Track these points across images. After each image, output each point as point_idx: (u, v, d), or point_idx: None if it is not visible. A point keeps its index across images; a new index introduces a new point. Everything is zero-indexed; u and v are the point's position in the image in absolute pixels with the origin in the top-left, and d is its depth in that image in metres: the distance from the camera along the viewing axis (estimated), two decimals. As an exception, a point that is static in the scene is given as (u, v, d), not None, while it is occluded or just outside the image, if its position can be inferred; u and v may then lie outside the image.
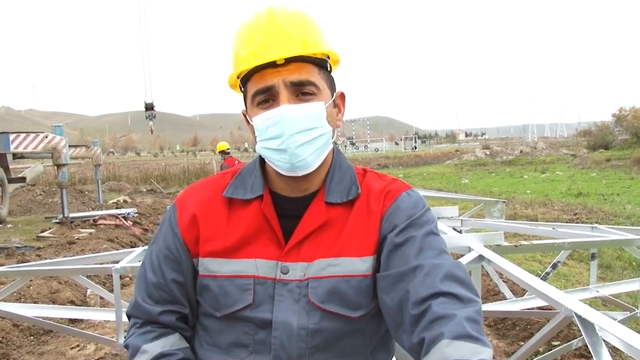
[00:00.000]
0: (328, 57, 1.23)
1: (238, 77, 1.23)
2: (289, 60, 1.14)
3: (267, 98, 1.17)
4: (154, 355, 1.20)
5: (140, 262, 1.41)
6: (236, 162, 12.40)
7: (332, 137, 1.23)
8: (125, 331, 1.37)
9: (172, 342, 1.23)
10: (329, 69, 1.24)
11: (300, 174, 1.18)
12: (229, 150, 13.02)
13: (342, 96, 1.31)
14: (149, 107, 15.47)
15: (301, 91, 1.16)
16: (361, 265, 1.19)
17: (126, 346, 1.25)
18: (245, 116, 1.26)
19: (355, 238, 1.20)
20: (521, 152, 38.43)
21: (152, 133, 16.49)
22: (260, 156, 1.28)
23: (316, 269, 1.18)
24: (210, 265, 1.23)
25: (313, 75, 1.18)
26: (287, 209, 1.24)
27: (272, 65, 1.14)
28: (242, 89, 1.24)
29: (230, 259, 1.21)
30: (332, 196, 1.23)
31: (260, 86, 1.16)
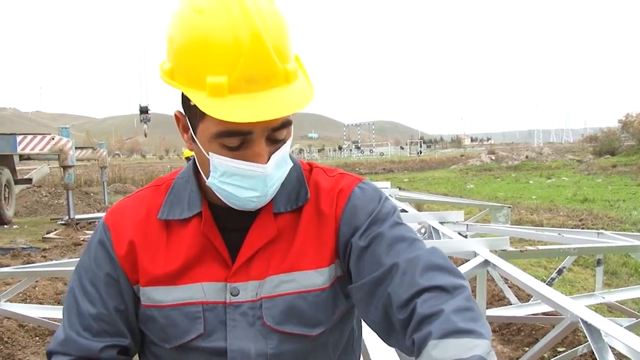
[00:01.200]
0: None
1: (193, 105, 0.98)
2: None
3: (238, 143, 0.97)
4: None
5: None
6: None
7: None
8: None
9: None
10: None
11: (254, 209, 1.07)
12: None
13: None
14: (144, 111, 15.54)
15: (276, 136, 1.00)
16: (317, 278, 1.08)
17: None
18: (179, 120, 1.07)
19: (308, 248, 1.09)
20: (527, 157, 38.31)
21: (145, 136, 16.52)
22: (194, 164, 1.12)
23: (269, 287, 1.06)
24: (153, 295, 1.08)
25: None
26: (230, 221, 1.09)
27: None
28: (188, 99, 0.99)
29: (174, 286, 1.07)
30: (279, 204, 1.10)
31: (231, 129, 0.95)
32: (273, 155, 1.00)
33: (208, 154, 1.00)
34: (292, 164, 1.08)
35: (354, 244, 1.07)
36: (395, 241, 1.04)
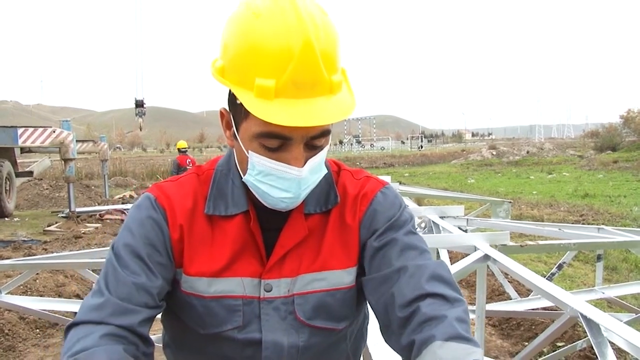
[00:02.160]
0: None
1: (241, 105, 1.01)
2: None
3: (278, 146, 1.01)
4: None
5: None
6: (187, 160, 12.56)
7: None
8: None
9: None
10: None
11: (285, 210, 1.11)
12: (185, 149, 13.09)
13: None
14: (139, 104, 15.59)
15: (314, 143, 1.03)
16: (346, 277, 1.16)
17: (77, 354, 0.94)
18: (223, 116, 1.10)
19: (337, 249, 1.16)
20: (528, 152, 38.28)
21: (140, 130, 16.56)
22: (232, 159, 1.16)
23: (300, 285, 1.14)
24: (195, 284, 1.12)
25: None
26: (266, 221, 1.15)
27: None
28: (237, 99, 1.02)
29: (216, 278, 1.12)
30: (310, 206, 1.16)
31: (273, 131, 0.98)
32: (309, 161, 1.04)
33: (248, 152, 1.05)
34: (326, 170, 1.11)
35: (369, 244, 1.14)
36: (407, 248, 1.11)
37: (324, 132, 1.03)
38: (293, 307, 1.14)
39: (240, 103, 0.99)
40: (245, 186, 1.14)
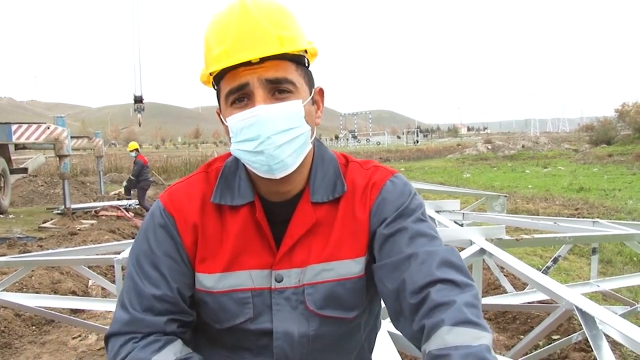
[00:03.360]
0: (305, 52, 1.16)
1: (210, 75, 1.16)
2: (264, 58, 1.07)
3: (242, 97, 1.10)
4: None
5: None
6: (146, 162, 12.88)
7: (312, 136, 1.17)
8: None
9: (179, 348, 1.13)
10: (306, 64, 1.17)
11: (278, 176, 1.12)
12: (138, 149, 13.40)
13: (321, 92, 1.24)
14: (138, 100, 15.55)
15: (277, 89, 1.10)
16: (355, 267, 1.17)
17: None
18: (219, 115, 1.19)
19: (346, 238, 1.18)
20: (523, 146, 38.36)
21: (140, 126, 16.50)
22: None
23: (310, 275, 1.16)
24: (205, 281, 1.17)
25: (290, 72, 1.11)
26: (273, 213, 1.19)
27: (247, 63, 1.07)
28: (215, 86, 1.17)
29: (225, 273, 1.16)
30: (317, 195, 1.19)
31: (233, 85, 1.09)
32: (274, 104, 1.09)
33: (226, 121, 1.14)
34: (308, 128, 1.14)
35: (379, 232, 1.16)
36: (417, 235, 1.13)
37: (282, 80, 1.10)
38: (303, 296, 1.16)
39: (218, 88, 1.15)
40: (251, 179, 1.19)
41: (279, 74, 1.09)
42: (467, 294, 1.01)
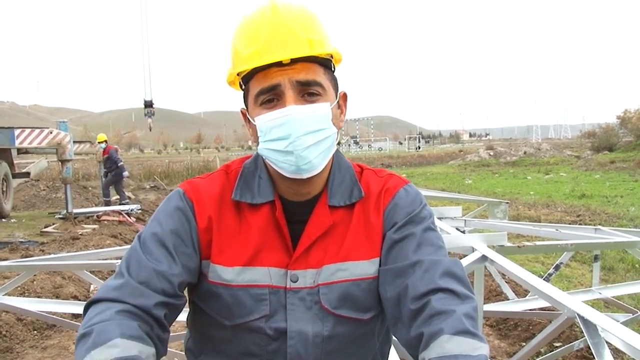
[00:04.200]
0: (331, 57, 1.19)
1: (238, 75, 1.18)
2: (294, 60, 1.10)
3: (272, 98, 1.12)
4: (127, 356, 0.95)
5: None
6: (116, 148, 13.80)
7: (336, 139, 1.19)
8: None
9: (149, 352, 1.01)
10: (332, 68, 1.21)
11: (305, 176, 1.14)
12: (105, 140, 14.25)
13: (345, 96, 1.27)
14: (148, 105, 15.57)
15: (307, 91, 1.12)
16: (370, 267, 1.19)
17: (89, 330, 0.98)
18: (244, 115, 1.22)
19: (360, 240, 1.20)
20: (525, 153, 38.32)
21: (150, 130, 16.53)
22: (263, 161, 1.24)
23: (326, 275, 1.18)
24: (222, 273, 1.17)
25: (319, 75, 1.14)
26: (292, 213, 1.21)
27: (277, 64, 1.10)
28: (243, 87, 1.19)
29: (244, 267, 1.17)
30: (334, 199, 1.21)
31: (264, 85, 1.11)
32: (305, 105, 1.12)
33: (254, 121, 1.15)
34: (335, 130, 1.17)
35: (388, 236, 1.19)
36: (425, 243, 1.16)
37: (312, 82, 1.12)
38: (318, 296, 1.17)
39: (246, 88, 1.18)
40: (271, 179, 1.22)
41: (309, 76, 1.12)
42: (467, 305, 1.03)
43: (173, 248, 1.14)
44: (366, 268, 1.19)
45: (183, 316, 1.28)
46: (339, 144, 1.24)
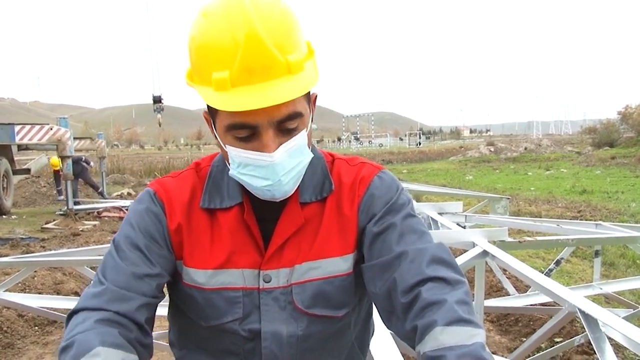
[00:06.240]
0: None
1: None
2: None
3: (247, 134, 1.01)
4: None
5: None
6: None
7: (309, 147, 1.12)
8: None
9: (132, 359, 0.99)
10: None
11: (278, 199, 1.09)
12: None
13: (315, 99, 1.17)
14: (157, 100, 15.54)
15: (286, 126, 1.02)
16: (342, 264, 1.15)
17: (70, 342, 0.96)
18: (209, 122, 1.12)
19: (333, 236, 1.15)
20: (526, 149, 38.33)
21: (159, 126, 16.55)
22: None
23: (298, 274, 1.14)
24: (195, 277, 1.14)
25: (298, 101, 1.02)
26: (264, 212, 1.16)
27: None
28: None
29: (217, 270, 1.13)
30: (305, 195, 1.16)
31: (237, 121, 1.00)
32: (283, 145, 1.03)
33: (225, 147, 1.06)
34: (311, 155, 1.10)
35: (369, 229, 1.14)
36: (407, 232, 1.11)
37: (292, 115, 1.01)
38: (292, 296, 1.14)
39: (213, 109, 1.04)
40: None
41: (290, 110, 1.01)
42: (458, 291, 1.00)
43: (148, 250, 1.11)
44: (339, 265, 1.15)
45: (165, 310, 1.28)
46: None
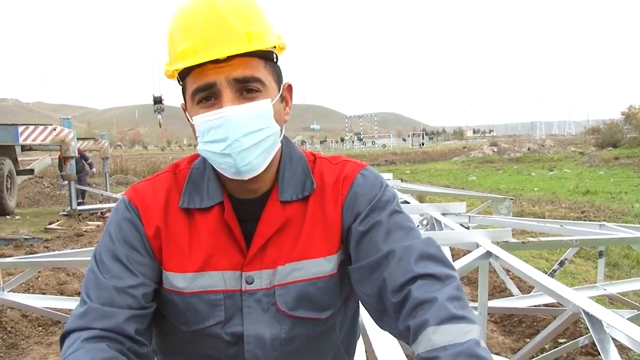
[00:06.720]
0: (274, 47, 1.11)
1: (176, 70, 1.10)
2: (232, 56, 1.03)
3: (209, 96, 1.05)
4: None
5: None
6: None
7: (280, 135, 1.13)
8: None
9: None
10: (275, 59, 1.12)
11: (246, 177, 1.08)
12: None
13: (290, 88, 1.19)
14: (158, 101, 15.54)
15: (246, 88, 1.05)
16: (326, 265, 1.14)
17: None
18: (185, 111, 1.14)
19: (316, 236, 1.14)
20: (529, 149, 38.26)
21: (160, 126, 16.55)
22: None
23: (281, 275, 1.12)
24: (174, 281, 1.12)
25: (258, 70, 1.06)
26: (244, 212, 1.15)
27: (214, 61, 1.03)
28: (180, 82, 1.12)
29: (197, 273, 1.12)
30: (286, 194, 1.15)
31: (200, 83, 1.05)
32: (243, 104, 1.05)
33: (192, 120, 1.09)
34: (278, 128, 1.10)
35: (354, 229, 1.13)
36: (393, 229, 1.10)
37: (250, 78, 1.05)
38: (275, 298, 1.12)
39: (183, 84, 1.10)
40: (219, 180, 1.16)
41: (247, 73, 1.05)
42: (449, 286, 0.98)
43: (129, 260, 1.10)
44: (322, 266, 1.13)
45: None
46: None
